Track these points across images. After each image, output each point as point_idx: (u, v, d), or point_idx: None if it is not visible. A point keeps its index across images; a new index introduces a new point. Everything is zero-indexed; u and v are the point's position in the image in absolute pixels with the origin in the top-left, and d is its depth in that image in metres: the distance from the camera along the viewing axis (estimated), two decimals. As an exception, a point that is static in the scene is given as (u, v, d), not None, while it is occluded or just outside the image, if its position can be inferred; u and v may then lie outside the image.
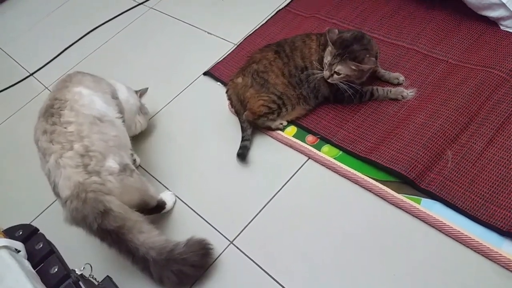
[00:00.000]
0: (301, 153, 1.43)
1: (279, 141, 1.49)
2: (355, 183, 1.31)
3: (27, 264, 0.99)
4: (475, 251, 1.09)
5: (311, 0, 1.97)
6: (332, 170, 1.36)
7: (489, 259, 1.07)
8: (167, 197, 1.42)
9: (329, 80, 1.40)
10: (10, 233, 1.09)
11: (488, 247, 1.08)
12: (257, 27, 1.96)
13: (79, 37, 2.35)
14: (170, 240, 1.18)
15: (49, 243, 1.08)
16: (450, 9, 1.65)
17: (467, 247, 1.10)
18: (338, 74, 1.36)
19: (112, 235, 1.13)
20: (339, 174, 1.34)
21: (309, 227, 1.26)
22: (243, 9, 2.10)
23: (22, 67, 2.32)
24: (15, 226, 1.12)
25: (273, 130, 1.51)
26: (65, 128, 1.19)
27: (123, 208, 1.14)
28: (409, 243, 1.16)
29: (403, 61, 1.56)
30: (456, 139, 1.29)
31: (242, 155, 1.45)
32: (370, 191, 1.28)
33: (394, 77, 1.50)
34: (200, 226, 1.35)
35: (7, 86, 2.22)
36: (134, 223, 1.14)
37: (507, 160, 1.20)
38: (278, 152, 1.47)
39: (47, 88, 2.11)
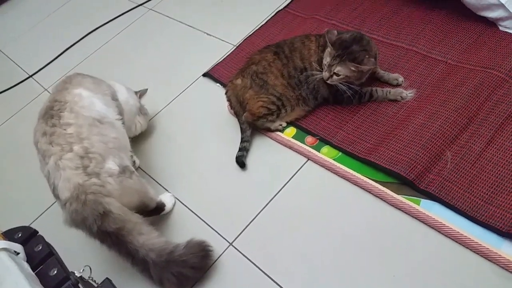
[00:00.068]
0: (300, 154, 1.43)
1: (279, 142, 1.49)
2: (355, 184, 1.31)
3: (27, 266, 0.99)
4: (474, 252, 1.09)
5: (310, 1, 1.98)
6: (331, 171, 1.36)
7: (489, 260, 1.07)
8: (167, 198, 1.42)
9: (328, 81, 1.40)
10: (9, 235, 1.09)
11: (488, 248, 1.08)
12: (256, 28, 1.96)
13: (79, 38, 2.35)
14: (169, 242, 1.18)
15: (48, 245, 1.08)
16: (449, 9, 1.65)
17: (467, 248, 1.10)
18: (337, 75, 1.36)
19: (111, 237, 1.13)
20: (338, 175, 1.34)
21: (309, 228, 1.26)
22: (242, 10, 2.10)
23: (22, 69, 2.32)
24: (14, 228, 1.12)
25: (273, 131, 1.51)
26: (64, 130, 1.19)
27: (123, 210, 1.14)
28: (408, 244, 1.16)
29: (402, 62, 1.57)
30: (455, 140, 1.29)
31: (242, 162, 1.44)
32: (369, 192, 1.28)
33: (393, 78, 1.50)
34: (200, 228, 1.35)
35: (7, 87, 2.23)
36: (133, 225, 1.14)
37: (506, 160, 1.20)
38: (277, 153, 1.47)
39: (46, 89, 2.11)
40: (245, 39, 1.93)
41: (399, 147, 1.31)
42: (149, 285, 1.20)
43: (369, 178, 1.29)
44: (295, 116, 1.51)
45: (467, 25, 1.59)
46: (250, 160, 1.48)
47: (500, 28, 1.54)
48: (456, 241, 1.12)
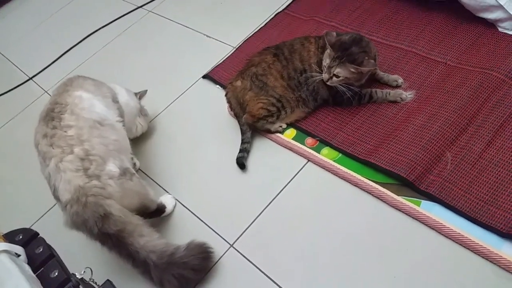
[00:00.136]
0: (300, 155, 1.44)
1: (279, 144, 1.49)
2: (355, 186, 1.31)
3: (27, 268, 0.99)
4: (475, 253, 1.09)
5: (309, 3, 1.98)
6: (331, 173, 1.36)
7: (489, 261, 1.07)
8: (167, 200, 1.42)
9: (328, 83, 1.40)
10: (10, 237, 1.09)
11: (488, 249, 1.08)
12: (256, 30, 1.96)
13: (79, 40, 2.35)
14: (170, 244, 1.18)
15: (49, 247, 1.08)
16: (448, 11, 1.66)
17: (467, 249, 1.10)
18: (337, 76, 1.37)
19: (112, 239, 1.13)
20: (338, 177, 1.34)
21: (309, 229, 1.26)
22: (242, 12, 2.11)
23: (21, 71, 2.32)
24: (15, 230, 1.12)
25: (273, 132, 1.52)
26: (65, 132, 1.19)
27: (124, 212, 1.15)
28: (408, 245, 1.16)
29: (402, 63, 1.57)
30: (455, 141, 1.29)
31: (242, 164, 1.44)
32: (369, 193, 1.28)
33: (393, 79, 1.51)
34: (200, 229, 1.35)
35: (7, 90, 2.23)
36: (134, 226, 1.14)
37: (507, 161, 1.20)
38: (277, 155, 1.47)
39: (46, 92, 2.11)
40: (244, 41, 1.93)
41: (399, 148, 1.31)
42: (150, 287, 1.20)
43: (369, 180, 1.29)
44: (295, 117, 1.51)
45: (466, 27, 1.59)
46: (250, 162, 1.48)
47: (499, 29, 1.54)
48: (456, 242, 1.12)
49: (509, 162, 1.20)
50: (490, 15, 1.52)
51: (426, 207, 1.19)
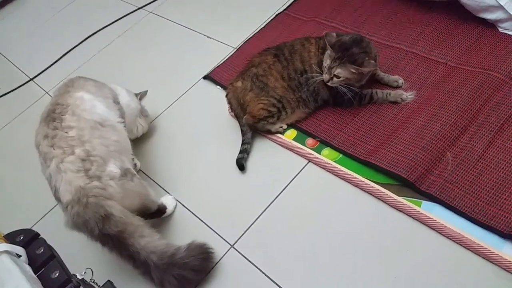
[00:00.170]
0: (301, 156, 1.44)
1: (279, 145, 1.49)
2: (355, 186, 1.31)
3: (28, 269, 0.99)
4: (475, 253, 1.09)
5: (310, 4, 1.98)
6: (332, 173, 1.36)
7: (490, 262, 1.07)
8: (168, 201, 1.42)
9: (328, 84, 1.40)
10: (11, 238, 1.09)
11: (489, 250, 1.08)
12: (257, 30, 1.96)
13: (79, 41, 2.36)
14: (171, 245, 1.18)
15: (50, 247, 1.08)
16: (449, 11, 1.66)
17: (468, 249, 1.10)
18: (337, 77, 1.37)
19: (113, 240, 1.13)
20: (339, 177, 1.34)
21: (310, 230, 1.26)
22: (243, 13, 2.11)
23: (22, 72, 2.32)
24: (16, 231, 1.12)
25: (273, 133, 1.52)
26: (66, 132, 1.19)
27: (124, 212, 1.15)
28: (409, 245, 1.16)
29: (402, 64, 1.57)
30: (456, 141, 1.29)
31: (241, 165, 1.44)
32: (370, 194, 1.28)
33: (393, 80, 1.51)
34: (201, 230, 1.35)
35: (7, 91, 2.23)
36: (135, 227, 1.14)
37: (507, 162, 1.20)
38: (278, 156, 1.47)
39: (47, 92, 2.11)
40: (245, 42, 1.93)
41: (399, 148, 1.31)
42: (151, 287, 1.20)
43: (370, 180, 1.29)
44: (296, 118, 1.51)
45: (466, 27, 1.59)
46: (251, 162, 1.48)
47: (500, 29, 1.54)
48: (457, 243, 1.12)
49: (510, 163, 1.20)
50: (490, 16, 1.52)
51: (427, 208, 1.19)
